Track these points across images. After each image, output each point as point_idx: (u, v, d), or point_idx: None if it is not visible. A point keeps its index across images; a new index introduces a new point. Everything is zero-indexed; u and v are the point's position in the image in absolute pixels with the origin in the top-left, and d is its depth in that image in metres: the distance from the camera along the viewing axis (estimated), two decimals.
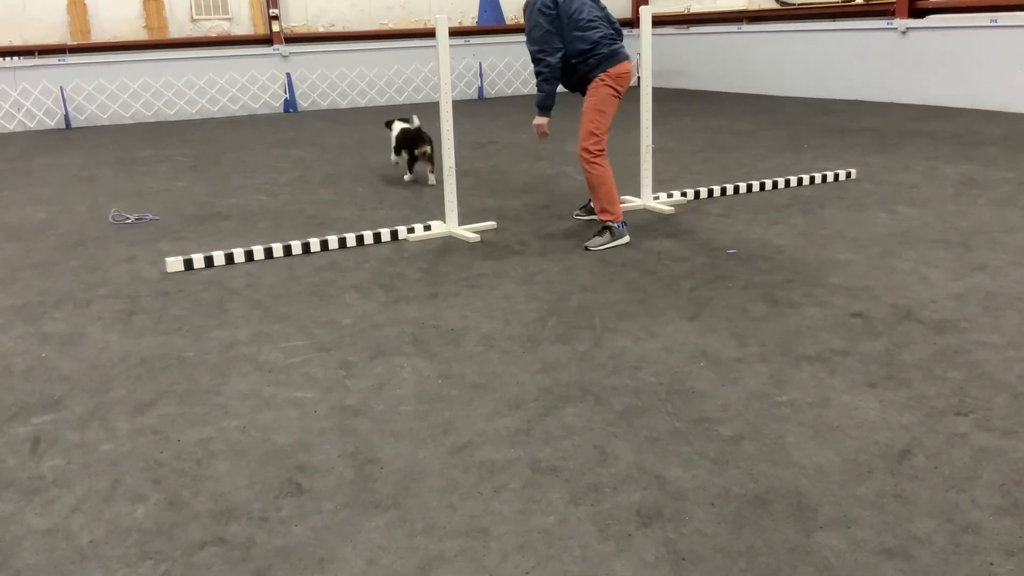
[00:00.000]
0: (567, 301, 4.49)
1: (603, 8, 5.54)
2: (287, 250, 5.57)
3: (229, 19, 14.72)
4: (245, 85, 14.42)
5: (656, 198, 6.57)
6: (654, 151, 6.59)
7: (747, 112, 12.08)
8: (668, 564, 2.34)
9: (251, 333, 4.20)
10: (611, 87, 5.36)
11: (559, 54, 5.30)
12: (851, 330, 3.94)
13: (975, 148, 8.43)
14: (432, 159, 7.54)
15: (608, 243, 5.40)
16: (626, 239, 5.45)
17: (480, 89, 15.70)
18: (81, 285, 5.09)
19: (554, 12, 5.26)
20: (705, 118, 11.62)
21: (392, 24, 15.62)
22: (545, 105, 5.43)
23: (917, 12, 12.08)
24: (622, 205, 6.47)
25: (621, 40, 5.51)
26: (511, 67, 15.76)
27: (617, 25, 5.58)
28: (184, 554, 2.47)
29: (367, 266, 5.30)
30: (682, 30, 15.89)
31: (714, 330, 4.01)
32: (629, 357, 3.73)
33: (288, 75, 14.65)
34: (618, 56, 5.41)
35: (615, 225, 5.43)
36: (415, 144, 7.57)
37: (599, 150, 5.38)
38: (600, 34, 5.34)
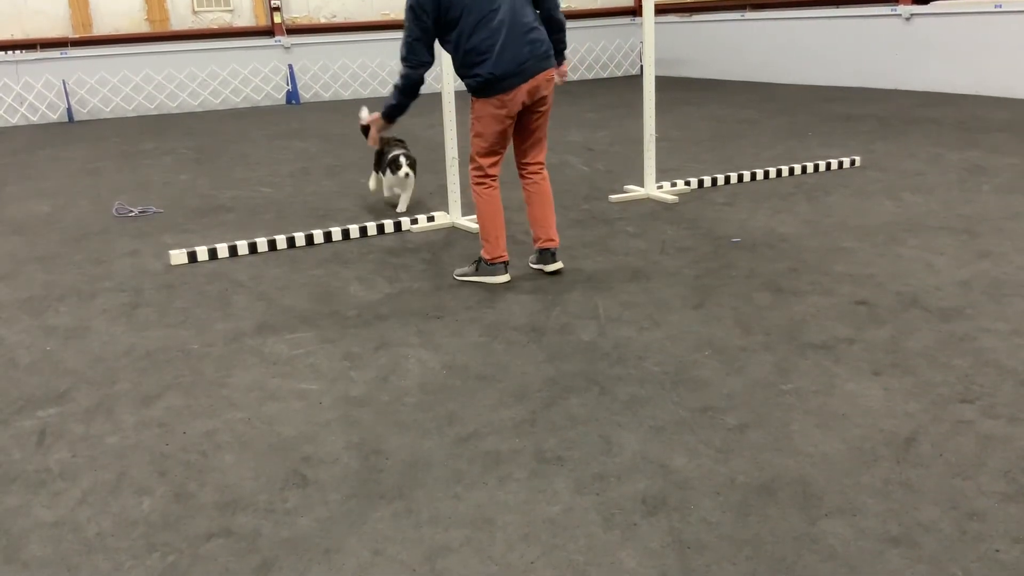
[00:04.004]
0: (571, 291, 4.49)
1: None
2: (291, 242, 5.58)
3: (231, 11, 14.70)
4: (247, 77, 14.41)
5: (660, 187, 6.55)
6: (657, 140, 6.57)
7: (750, 100, 12.04)
8: (673, 553, 2.35)
9: (255, 325, 4.21)
10: (492, 106, 4.36)
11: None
12: (856, 318, 3.94)
13: (980, 134, 8.39)
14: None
15: (470, 276, 4.69)
16: (499, 279, 4.61)
17: None
18: (85, 278, 5.10)
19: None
20: (708, 107, 11.58)
21: (394, 15, 15.57)
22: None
23: None
24: (625, 196, 6.48)
25: None
26: None
27: None
28: (191, 546, 2.48)
29: (371, 257, 5.29)
30: (684, 18, 15.83)
31: (719, 319, 4.00)
32: (633, 347, 3.73)
33: (290, 67, 14.63)
34: None
35: (483, 262, 4.65)
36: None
37: (479, 177, 4.54)
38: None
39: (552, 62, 4.45)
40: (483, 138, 4.45)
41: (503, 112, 4.36)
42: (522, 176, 4.67)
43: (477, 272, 4.68)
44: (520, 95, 4.34)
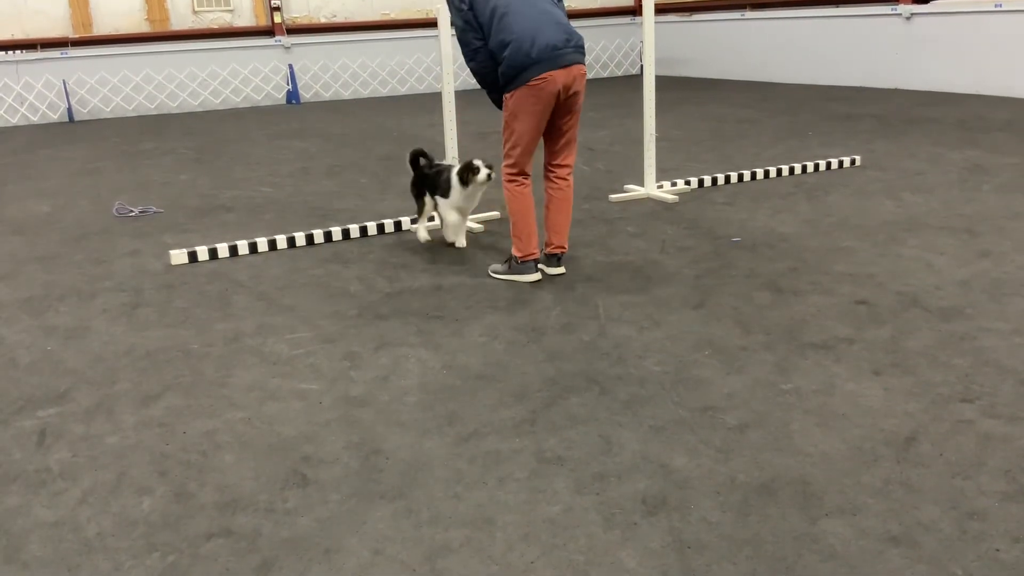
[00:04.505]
0: (571, 290, 4.49)
1: None
2: (291, 242, 5.58)
3: (231, 11, 14.70)
4: (247, 77, 14.41)
5: (660, 187, 6.55)
6: (657, 140, 6.57)
7: (751, 100, 12.03)
8: (673, 552, 2.35)
9: (255, 325, 4.21)
10: (526, 100, 4.38)
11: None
12: (856, 317, 3.94)
13: (980, 134, 8.39)
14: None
15: (504, 274, 4.70)
16: (531, 278, 4.62)
17: None
18: (86, 278, 5.10)
19: None
20: (708, 106, 11.58)
21: (394, 14, 15.58)
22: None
23: None
24: (625, 195, 6.48)
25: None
26: None
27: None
28: (191, 546, 2.48)
29: (371, 257, 5.29)
30: (685, 18, 15.82)
31: (719, 319, 4.00)
32: (634, 346, 3.73)
33: (290, 66, 14.63)
34: None
35: (515, 260, 4.67)
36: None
37: (511, 174, 4.59)
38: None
39: (584, 58, 4.49)
40: (517, 134, 4.48)
41: (537, 105, 4.38)
42: (548, 179, 4.69)
43: (510, 271, 4.70)
44: (553, 85, 4.35)
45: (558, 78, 4.34)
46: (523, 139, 4.48)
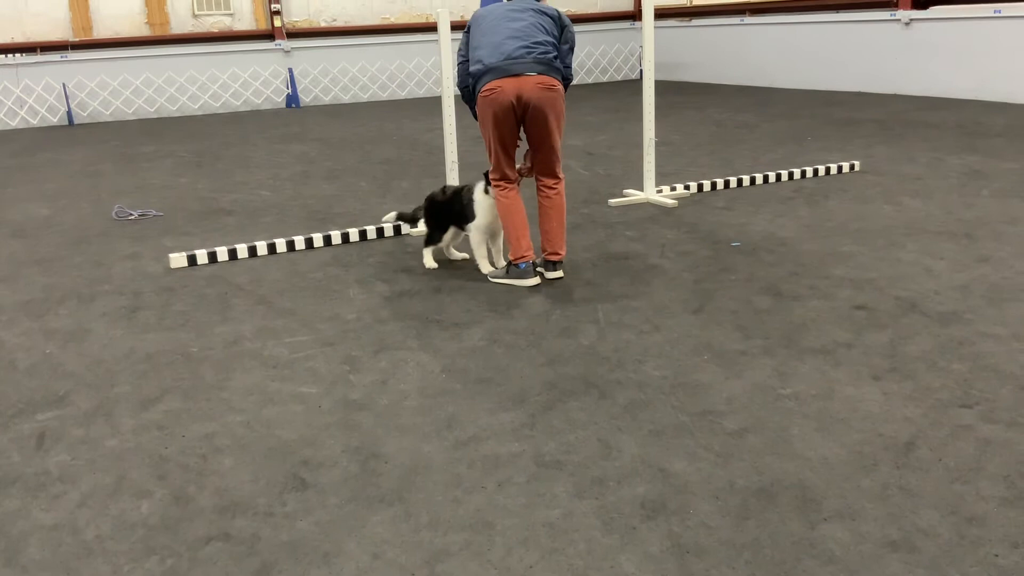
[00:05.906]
0: (570, 294, 4.49)
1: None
2: (290, 245, 5.58)
3: (231, 14, 14.71)
4: (247, 80, 14.42)
5: (659, 191, 6.56)
6: (657, 144, 6.57)
7: (750, 104, 12.05)
8: (673, 557, 2.35)
9: (255, 328, 4.21)
10: (484, 105, 4.51)
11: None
12: (855, 322, 3.94)
13: (979, 139, 8.40)
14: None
15: (502, 278, 4.71)
16: (530, 282, 4.62)
17: None
18: (85, 281, 5.10)
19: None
20: (708, 111, 11.59)
21: (394, 18, 15.60)
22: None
23: (920, 3, 12.03)
24: (625, 199, 6.49)
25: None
26: None
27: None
28: (189, 549, 2.48)
29: (370, 261, 5.30)
30: (684, 22, 15.85)
31: (718, 323, 4.01)
32: (633, 350, 3.73)
33: (290, 70, 14.64)
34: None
35: (511, 264, 4.69)
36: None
37: (495, 180, 4.66)
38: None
39: (553, 73, 4.51)
40: (488, 142, 4.65)
41: (492, 115, 4.50)
42: (538, 189, 4.76)
43: (508, 274, 4.72)
44: (503, 95, 4.44)
45: (507, 87, 4.42)
46: (493, 146, 4.61)
